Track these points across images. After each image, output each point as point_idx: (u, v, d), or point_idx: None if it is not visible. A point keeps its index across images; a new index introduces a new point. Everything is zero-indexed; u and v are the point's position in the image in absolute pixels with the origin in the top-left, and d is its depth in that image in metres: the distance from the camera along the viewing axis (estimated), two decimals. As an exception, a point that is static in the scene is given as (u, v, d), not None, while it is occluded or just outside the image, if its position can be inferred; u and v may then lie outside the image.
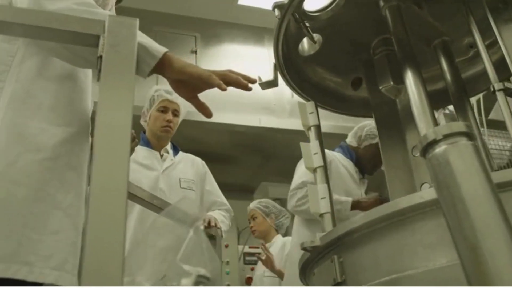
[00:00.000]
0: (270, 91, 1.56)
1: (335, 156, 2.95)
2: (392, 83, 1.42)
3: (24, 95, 1.06)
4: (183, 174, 2.64)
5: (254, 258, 4.76)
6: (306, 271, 1.03)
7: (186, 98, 1.17)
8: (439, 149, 0.54)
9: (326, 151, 2.78)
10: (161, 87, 2.74)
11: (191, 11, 4.40)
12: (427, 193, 0.69)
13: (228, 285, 4.36)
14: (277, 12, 1.26)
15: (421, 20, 1.41)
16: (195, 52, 4.37)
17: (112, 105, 0.59)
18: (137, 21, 0.70)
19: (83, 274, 0.51)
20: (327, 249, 0.90)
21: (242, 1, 4.26)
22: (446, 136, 0.54)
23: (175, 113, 2.72)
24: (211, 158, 4.90)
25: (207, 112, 1.18)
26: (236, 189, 5.38)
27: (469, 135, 0.55)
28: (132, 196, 1.67)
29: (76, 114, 1.14)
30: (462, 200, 0.51)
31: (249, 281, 4.61)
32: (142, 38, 0.99)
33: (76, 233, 1.04)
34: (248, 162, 4.82)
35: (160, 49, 1.02)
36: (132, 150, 1.54)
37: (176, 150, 2.79)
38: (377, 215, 0.77)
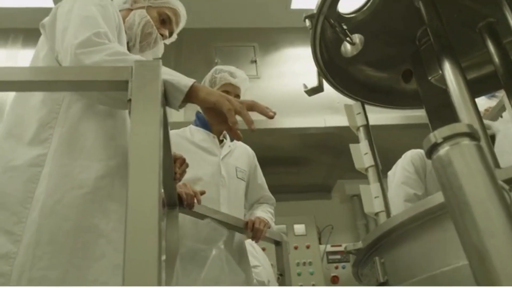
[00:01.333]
0: (331, 89, 1.57)
1: None
2: (441, 72, 1.40)
3: (70, 138, 1.25)
4: (239, 163, 2.50)
5: (338, 257, 4.75)
6: (357, 272, 1.05)
7: (216, 123, 1.24)
8: (442, 150, 0.56)
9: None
10: (224, 67, 2.59)
11: (246, 22, 4.49)
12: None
13: (313, 285, 4.39)
14: (308, 22, 1.29)
15: (460, 6, 1.39)
16: (255, 61, 4.46)
17: (142, 142, 0.67)
18: (160, 63, 0.77)
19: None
20: (370, 251, 0.93)
21: (294, 5, 4.29)
22: (448, 138, 0.56)
23: (237, 98, 2.61)
24: (286, 162, 4.97)
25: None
26: (313, 190, 5.41)
27: (471, 136, 0.56)
28: (194, 213, 1.75)
29: (116, 149, 1.31)
30: (466, 201, 0.52)
31: (335, 280, 4.61)
32: (170, 75, 1.08)
33: (119, 255, 1.15)
34: (321, 162, 4.82)
35: (186, 83, 1.10)
36: (184, 172, 1.58)
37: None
38: (410, 214, 0.79)
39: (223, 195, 2.27)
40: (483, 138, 0.97)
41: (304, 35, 4.88)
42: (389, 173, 2.55)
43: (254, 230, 2.18)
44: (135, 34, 1.64)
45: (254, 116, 3.89)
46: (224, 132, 2.54)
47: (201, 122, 2.47)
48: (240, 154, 2.57)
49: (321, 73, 1.49)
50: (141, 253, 0.60)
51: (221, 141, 2.49)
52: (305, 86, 1.53)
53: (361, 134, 1.41)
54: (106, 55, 1.13)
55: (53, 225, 1.13)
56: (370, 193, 1.27)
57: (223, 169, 2.35)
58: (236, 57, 4.47)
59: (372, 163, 1.34)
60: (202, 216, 1.82)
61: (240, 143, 2.62)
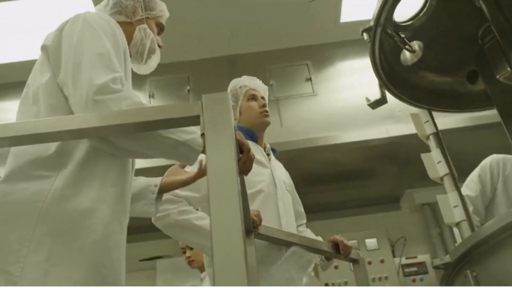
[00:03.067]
0: (392, 98, 1.54)
1: None
2: (509, 69, 1.35)
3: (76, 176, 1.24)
4: (284, 176, 2.45)
5: (414, 269, 4.60)
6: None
7: None
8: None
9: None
10: (240, 79, 2.56)
11: (297, 41, 4.51)
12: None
13: (393, 300, 4.25)
14: (366, 36, 1.28)
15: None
16: (310, 79, 4.45)
17: (221, 173, 0.68)
18: (228, 95, 0.78)
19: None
20: (459, 265, 0.89)
21: (344, 18, 4.27)
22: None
23: (264, 99, 2.52)
24: (350, 177, 4.90)
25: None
26: (381, 202, 5.28)
27: None
28: (269, 239, 1.74)
29: (122, 194, 1.33)
30: None
31: (413, 293, 4.45)
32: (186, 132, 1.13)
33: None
34: (387, 173, 4.71)
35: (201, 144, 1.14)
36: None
37: (274, 151, 2.57)
38: (501, 224, 0.75)
39: (281, 207, 2.22)
40: None
41: (356, 47, 4.86)
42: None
43: (344, 248, 2.14)
44: (141, 52, 1.66)
45: (314, 133, 3.90)
46: (269, 145, 2.51)
47: (248, 134, 2.42)
48: (282, 169, 2.52)
49: (383, 85, 1.46)
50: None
51: (267, 154, 2.45)
52: (367, 99, 1.51)
53: (432, 143, 1.37)
54: (126, 105, 1.16)
55: (62, 274, 1.11)
56: (448, 202, 1.23)
57: (276, 181, 2.31)
58: (291, 77, 4.49)
59: (447, 171, 1.30)
60: (282, 242, 1.80)
61: (277, 161, 2.57)
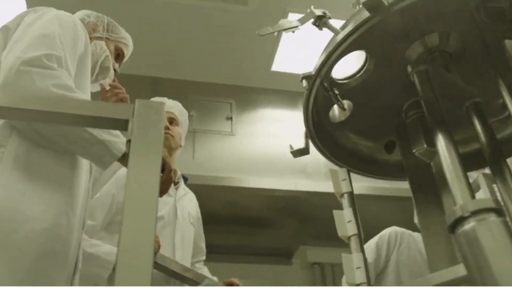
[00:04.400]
0: (309, 155, 1.55)
1: (415, 237, 2.64)
2: (425, 146, 1.40)
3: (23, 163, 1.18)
4: (191, 208, 2.42)
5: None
6: None
7: None
8: (468, 226, 0.53)
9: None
10: (162, 99, 2.54)
11: (225, 79, 4.54)
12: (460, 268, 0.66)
13: None
14: (305, 83, 1.28)
15: (451, 83, 1.41)
16: (231, 118, 4.47)
17: (140, 190, 0.61)
18: (164, 105, 0.73)
19: None
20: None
21: (275, 67, 4.37)
22: (474, 213, 0.53)
23: (172, 121, 2.48)
24: (250, 222, 4.90)
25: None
26: (274, 254, 5.31)
27: (498, 211, 0.53)
28: (163, 269, 1.66)
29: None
30: (493, 278, 0.49)
31: None
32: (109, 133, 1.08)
33: None
34: (286, 226, 4.77)
35: (120, 148, 1.10)
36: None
37: (185, 179, 2.54)
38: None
39: (178, 239, 2.17)
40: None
41: (282, 98, 4.99)
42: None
43: None
44: (93, 66, 1.63)
45: (224, 172, 3.90)
46: (180, 173, 2.48)
47: None
48: (191, 199, 2.48)
49: (309, 135, 1.47)
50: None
51: (176, 183, 2.41)
52: (291, 147, 1.51)
53: (345, 201, 1.38)
54: (53, 85, 1.08)
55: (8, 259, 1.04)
56: (352, 263, 1.23)
57: (178, 211, 2.26)
58: (212, 112, 4.48)
59: (356, 231, 1.31)
60: (177, 276, 1.71)
61: (188, 189, 2.54)
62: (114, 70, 1.72)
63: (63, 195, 1.21)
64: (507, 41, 1.23)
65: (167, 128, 2.41)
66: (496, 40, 1.27)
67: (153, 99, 2.55)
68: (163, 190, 1.19)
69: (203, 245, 2.48)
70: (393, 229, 2.66)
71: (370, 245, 2.61)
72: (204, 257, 2.48)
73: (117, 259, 0.58)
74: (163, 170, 1.15)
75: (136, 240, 0.57)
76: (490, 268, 0.50)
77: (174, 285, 1.91)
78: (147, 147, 0.65)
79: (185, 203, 2.36)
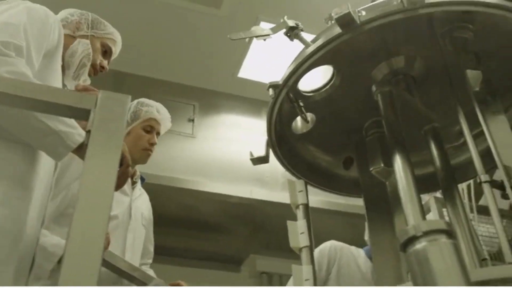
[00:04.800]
0: (268, 164, 1.56)
1: (353, 252, 2.70)
2: (382, 165, 1.43)
3: None
4: (145, 210, 2.36)
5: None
6: None
7: None
8: (419, 245, 0.54)
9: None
10: (150, 102, 2.47)
11: (191, 80, 4.51)
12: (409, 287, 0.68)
13: None
14: (271, 92, 1.29)
15: (412, 107, 1.45)
16: (193, 120, 4.44)
17: (96, 184, 0.59)
18: (129, 98, 0.72)
19: None
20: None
21: (242, 74, 4.38)
22: (426, 233, 0.54)
23: (157, 135, 2.43)
24: (203, 227, 4.86)
25: None
26: (223, 260, 5.29)
27: (448, 233, 0.54)
28: (111, 266, 1.63)
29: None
30: (440, 300, 0.50)
31: None
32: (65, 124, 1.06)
33: None
34: (238, 233, 4.77)
35: (77, 140, 1.08)
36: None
37: (142, 180, 2.48)
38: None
39: (129, 240, 2.12)
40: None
41: (246, 105, 5.00)
42: None
43: None
44: (73, 63, 1.62)
45: (181, 174, 3.87)
46: (139, 173, 2.42)
47: None
48: (145, 200, 2.43)
49: (270, 144, 1.48)
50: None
51: (133, 182, 2.36)
52: (251, 154, 1.51)
53: (300, 213, 1.39)
54: (7, 71, 1.06)
55: None
56: (301, 274, 1.24)
57: (133, 212, 2.22)
58: (174, 112, 4.42)
59: (307, 243, 1.32)
60: (124, 274, 1.67)
61: (143, 190, 2.49)
62: (102, 66, 1.72)
63: (15, 189, 1.18)
64: (468, 71, 1.28)
65: (154, 144, 2.36)
66: (458, 69, 1.31)
67: (145, 100, 2.47)
68: (119, 185, 1.18)
69: (151, 248, 2.43)
70: (332, 243, 2.71)
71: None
72: (151, 260, 2.43)
73: (64, 252, 0.56)
74: (121, 164, 1.12)
75: (87, 234, 0.55)
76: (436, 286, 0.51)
77: (122, 285, 1.87)
78: (107, 139, 0.64)
79: (139, 204, 2.32)
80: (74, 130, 1.10)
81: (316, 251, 2.68)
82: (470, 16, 1.28)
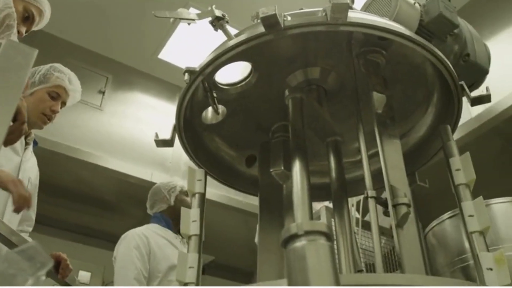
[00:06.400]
0: (169, 148, 1.55)
1: (150, 230, 2.92)
2: (282, 168, 1.47)
3: None
4: (32, 174, 2.24)
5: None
6: None
7: None
8: (299, 243, 0.57)
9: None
10: (65, 70, 2.33)
11: (109, 52, 4.36)
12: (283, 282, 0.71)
13: None
14: (186, 76, 1.28)
15: (320, 117, 1.51)
16: (103, 92, 4.29)
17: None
18: (36, 52, 0.68)
19: None
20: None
21: (162, 55, 4.31)
22: (307, 233, 0.57)
23: (62, 105, 2.31)
24: (97, 203, 4.70)
25: None
26: (111, 240, 5.16)
27: (328, 236, 0.58)
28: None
29: None
30: (309, 296, 0.53)
31: None
32: None
33: None
34: (132, 214, 4.67)
35: None
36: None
37: (35, 144, 2.34)
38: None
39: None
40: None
41: (161, 87, 4.91)
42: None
43: (65, 268, 2.02)
44: None
45: (81, 145, 3.71)
46: (33, 135, 2.28)
47: None
48: (34, 165, 2.30)
49: (177, 129, 1.47)
50: None
51: (27, 143, 2.22)
52: (156, 135, 1.49)
53: (196, 201, 1.40)
54: None
55: None
56: (186, 261, 1.25)
57: (21, 174, 2.10)
58: (86, 81, 4.25)
59: (197, 232, 1.33)
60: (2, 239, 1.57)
61: (33, 154, 2.33)
62: (18, 32, 1.59)
63: None
64: (374, 93, 1.35)
65: (56, 112, 2.23)
66: (367, 90, 1.38)
67: (60, 66, 2.32)
68: (11, 140, 1.10)
69: (33, 215, 2.29)
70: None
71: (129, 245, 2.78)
72: (31, 228, 2.29)
73: None
74: (15, 119, 1.06)
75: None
76: (309, 285, 0.54)
77: None
78: (4, 89, 0.60)
79: (28, 167, 2.20)
80: None
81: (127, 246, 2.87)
82: (385, 43, 1.36)
